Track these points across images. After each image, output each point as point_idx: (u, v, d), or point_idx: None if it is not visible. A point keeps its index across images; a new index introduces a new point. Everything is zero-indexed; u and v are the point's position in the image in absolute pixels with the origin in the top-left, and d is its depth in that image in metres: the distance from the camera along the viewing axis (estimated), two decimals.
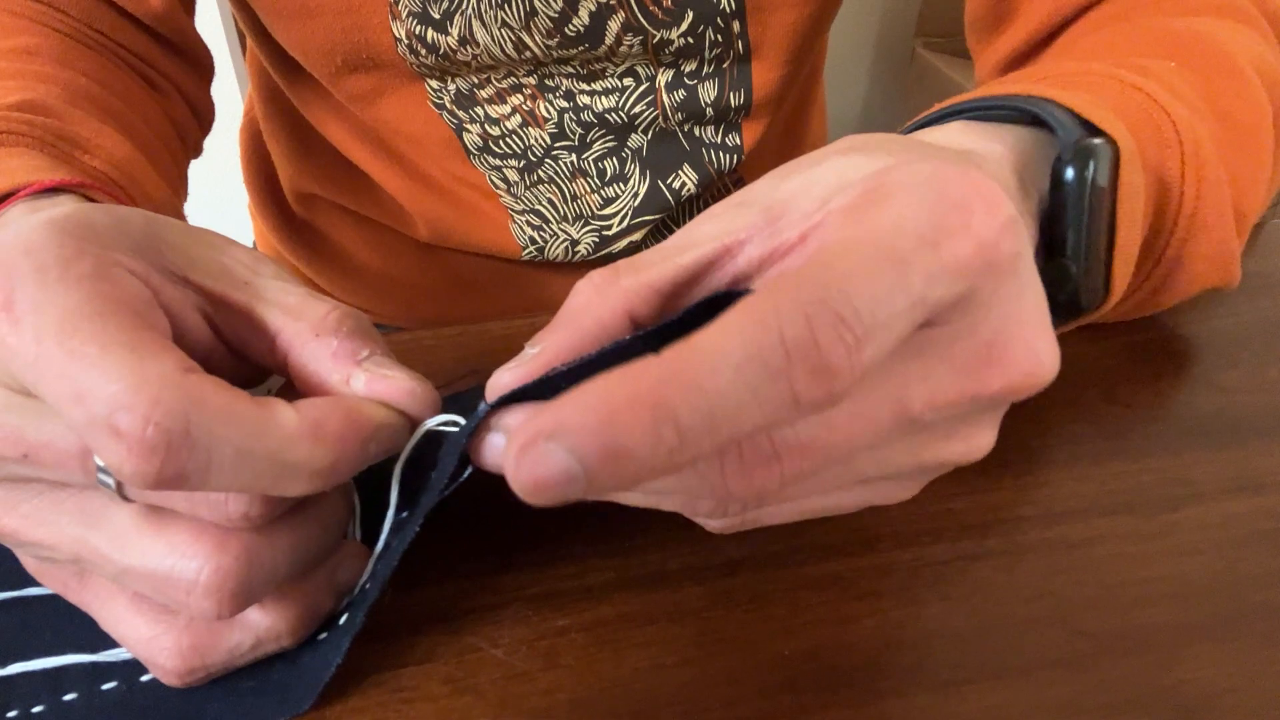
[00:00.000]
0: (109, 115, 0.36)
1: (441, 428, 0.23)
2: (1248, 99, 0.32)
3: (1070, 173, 0.25)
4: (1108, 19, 0.39)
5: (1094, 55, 0.34)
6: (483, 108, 0.48)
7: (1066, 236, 0.26)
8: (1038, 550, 0.28)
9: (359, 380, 0.23)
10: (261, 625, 0.24)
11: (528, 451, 0.15)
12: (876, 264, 0.17)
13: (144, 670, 0.24)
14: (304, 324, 0.23)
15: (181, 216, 0.41)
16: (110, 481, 0.21)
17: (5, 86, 0.33)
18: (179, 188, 0.43)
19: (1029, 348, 0.20)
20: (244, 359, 0.24)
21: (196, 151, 0.48)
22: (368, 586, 0.25)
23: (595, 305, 0.21)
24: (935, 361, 0.19)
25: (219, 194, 0.97)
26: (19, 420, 0.20)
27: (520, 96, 0.47)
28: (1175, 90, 0.30)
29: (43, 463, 0.21)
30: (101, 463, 0.20)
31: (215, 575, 0.21)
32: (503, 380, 0.22)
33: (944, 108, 0.29)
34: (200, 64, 0.47)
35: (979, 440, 0.21)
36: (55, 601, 0.26)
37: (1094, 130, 0.26)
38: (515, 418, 0.22)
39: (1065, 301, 0.27)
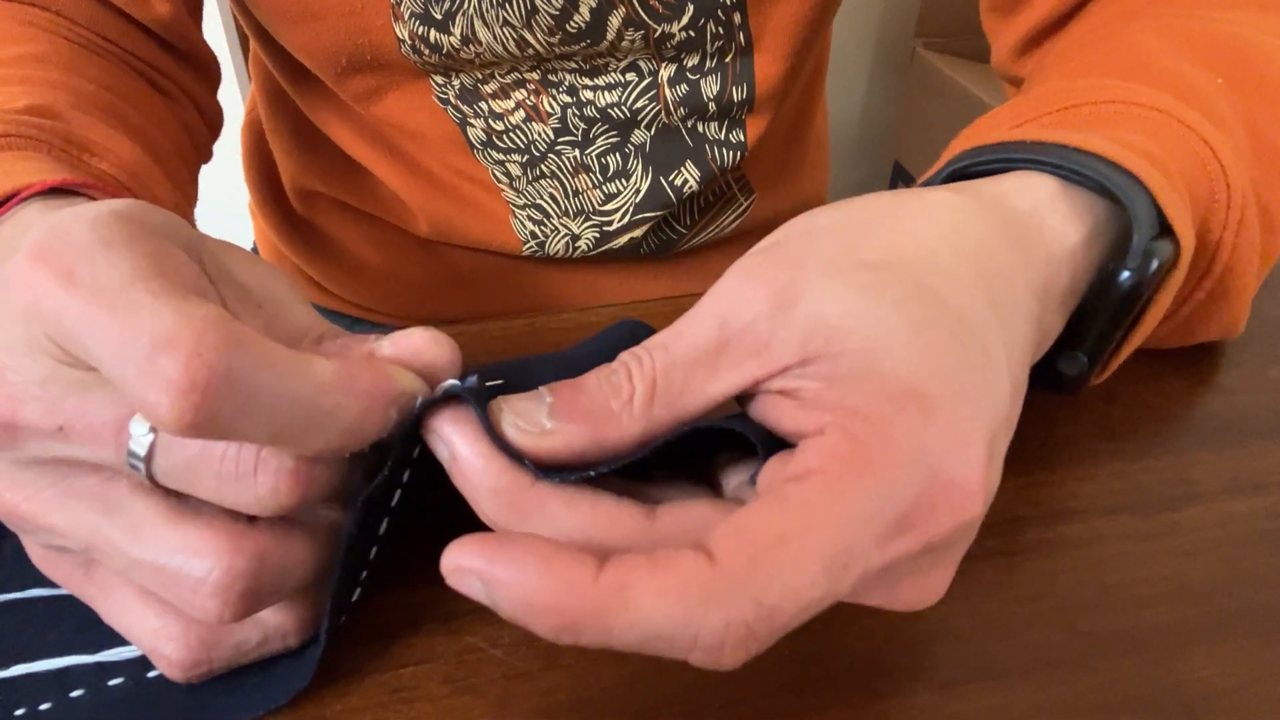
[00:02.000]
0: (118, 120, 0.36)
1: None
2: None
3: (1125, 276, 0.25)
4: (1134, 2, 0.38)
5: (1140, 57, 0.33)
6: (486, 103, 0.48)
7: (1090, 332, 0.27)
8: (1038, 550, 0.28)
9: (384, 345, 0.23)
10: (270, 623, 0.24)
11: (458, 574, 0.19)
12: (819, 572, 0.18)
13: (150, 667, 0.24)
14: (310, 337, 0.24)
15: (191, 220, 0.41)
16: (140, 465, 0.21)
17: (13, 92, 0.33)
18: (189, 192, 0.43)
19: (928, 591, 0.21)
20: None
21: (206, 156, 0.48)
22: (364, 576, 0.25)
23: (624, 424, 0.21)
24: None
25: (219, 193, 0.97)
26: (61, 391, 0.21)
27: (524, 91, 0.47)
28: (1227, 127, 0.29)
29: (77, 437, 0.21)
30: (136, 433, 0.21)
31: (225, 575, 0.21)
32: (507, 433, 0.21)
33: (1024, 146, 0.27)
34: (207, 70, 0.48)
35: None
36: (58, 603, 0.26)
37: (1162, 219, 0.25)
38: (468, 446, 0.21)
39: (1066, 382, 0.28)
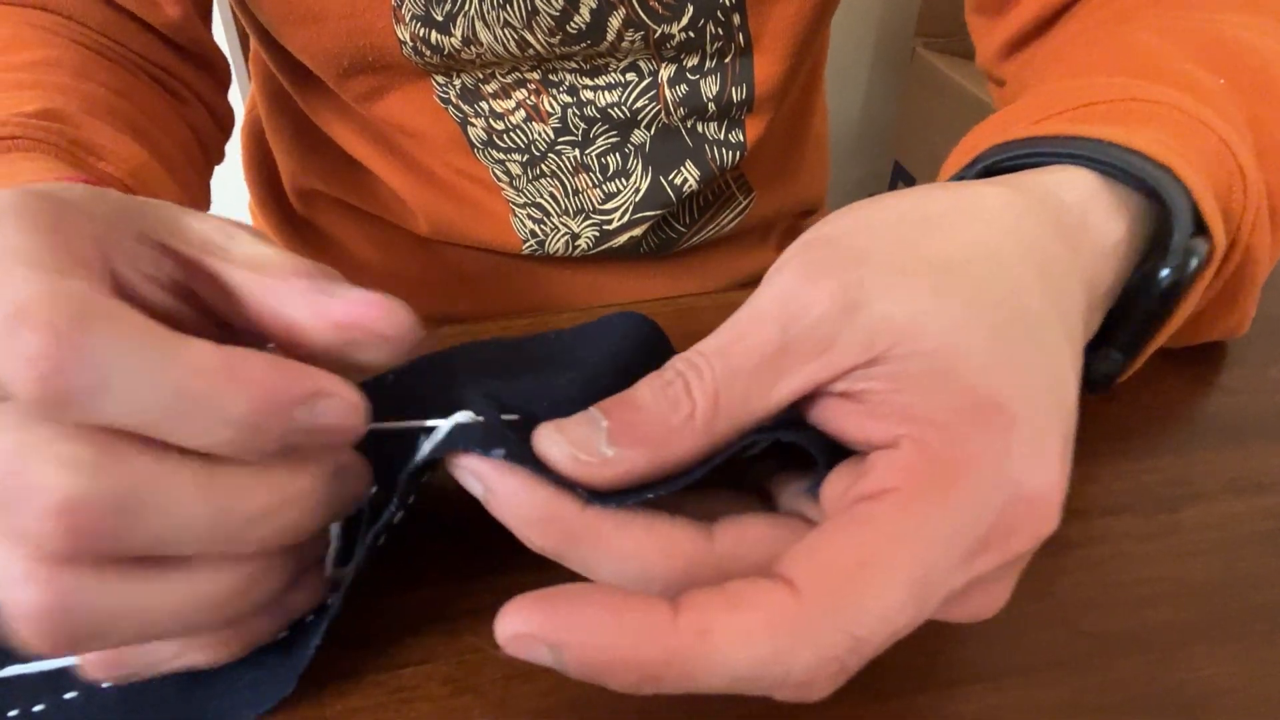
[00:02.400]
0: (126, 124, 0.37)
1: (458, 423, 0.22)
2: None
3: (1165, 274, 0.25)
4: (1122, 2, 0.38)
5: (1145, 56, 0.32)
6: (487, 102, 0.48)
7: (1124, 329, 0.27)
8: (1038, 550, 0.28)
9: (336, 306, 0.21)
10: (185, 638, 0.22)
11: (518, 642, 0.17)
12: (906, 598, 0.18)
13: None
14: (271, 273, 0.22)
15: None
16: None
17: (24, 96, 0.33)
18: (196, 193, 0.43)
19: (994, 601, 0.21)
20: (233, 336, 0.23)
21: (218, 158, 0.49)
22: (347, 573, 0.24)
23: (687, 441, 0.20)
24: None
25: (218, 193, 0.97)
26: None
27: (524, 91, 0.48)
28: (1237, 126, 0.29)
29: None
30: None
31: (31, 609, 0.18)
32: (563, 464, 0.20)
33: (1057, 140, 0.26)
34: (217, 71, 0.48)
35: None
36: None
37: (1197, 217, 0.25)
38: (506, 477, 0.20)
39: (1097, 380, 0.28)
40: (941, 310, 0.20)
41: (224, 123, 0.49)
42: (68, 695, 0.24)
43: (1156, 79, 0.30)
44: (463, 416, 0.21)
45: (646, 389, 0.21)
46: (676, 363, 0.21)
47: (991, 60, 0.45)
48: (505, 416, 0.22)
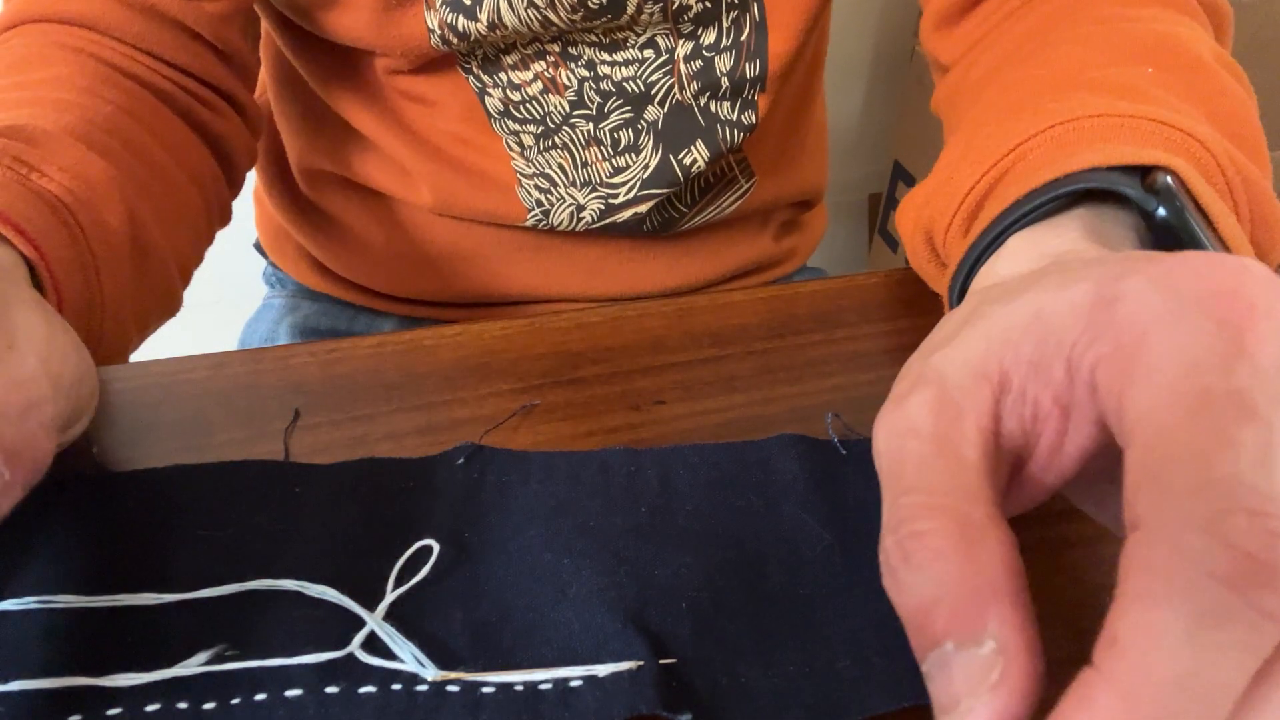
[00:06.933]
0: (120, 140, 0.36)
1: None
2: (1229, 95, 0.31)
3: (1163, 211, 0.25)
4: None
5: (1065, 66, 0.33)
6: (506, 73, 0.49)
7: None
8: (1038, 550, 0.28)
9: None
10: None
11: None
12: (1217, 422, 0.15)
13: (150, 699, 0.24)
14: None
15: (162, 248, 0.38)
16: None
17: (7, 115, 0.33)
18: (165, 211, 0.39)
19: None
20: None
21: (249, 161, 0.48)
22: None
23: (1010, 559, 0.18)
24: None
25: None
26: None
27: (543, 63, 0.49)
28: (1163, 102, 0.29)
29: None
30: None
31: None
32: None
33: (988, 229, 0.27)
34: (250, 75, 0.48)
35: None
36: (77, 614, 0.25)
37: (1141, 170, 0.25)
38: None
39: None
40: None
41: (255, 126, 0.49)
42: (71, 719, 0.23)
43: (1077, 90, 0.30)
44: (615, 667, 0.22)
45: None
46: None
47: (929, 32, 0.46)
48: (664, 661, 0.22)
